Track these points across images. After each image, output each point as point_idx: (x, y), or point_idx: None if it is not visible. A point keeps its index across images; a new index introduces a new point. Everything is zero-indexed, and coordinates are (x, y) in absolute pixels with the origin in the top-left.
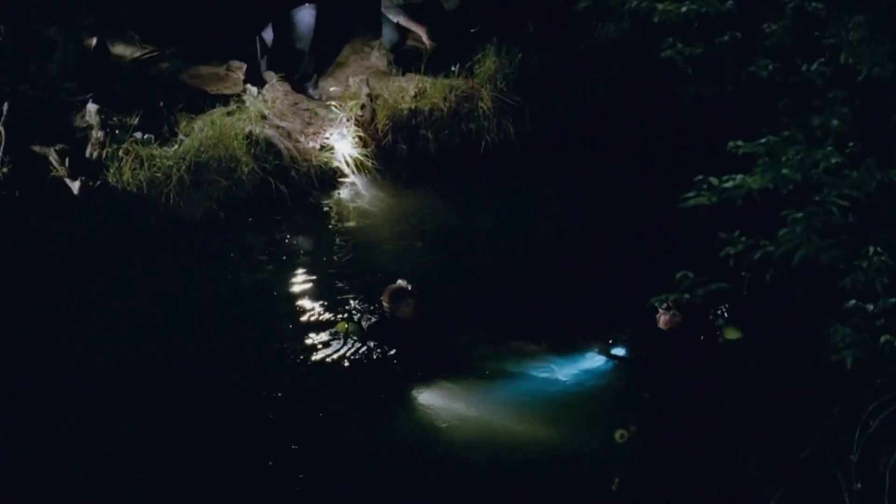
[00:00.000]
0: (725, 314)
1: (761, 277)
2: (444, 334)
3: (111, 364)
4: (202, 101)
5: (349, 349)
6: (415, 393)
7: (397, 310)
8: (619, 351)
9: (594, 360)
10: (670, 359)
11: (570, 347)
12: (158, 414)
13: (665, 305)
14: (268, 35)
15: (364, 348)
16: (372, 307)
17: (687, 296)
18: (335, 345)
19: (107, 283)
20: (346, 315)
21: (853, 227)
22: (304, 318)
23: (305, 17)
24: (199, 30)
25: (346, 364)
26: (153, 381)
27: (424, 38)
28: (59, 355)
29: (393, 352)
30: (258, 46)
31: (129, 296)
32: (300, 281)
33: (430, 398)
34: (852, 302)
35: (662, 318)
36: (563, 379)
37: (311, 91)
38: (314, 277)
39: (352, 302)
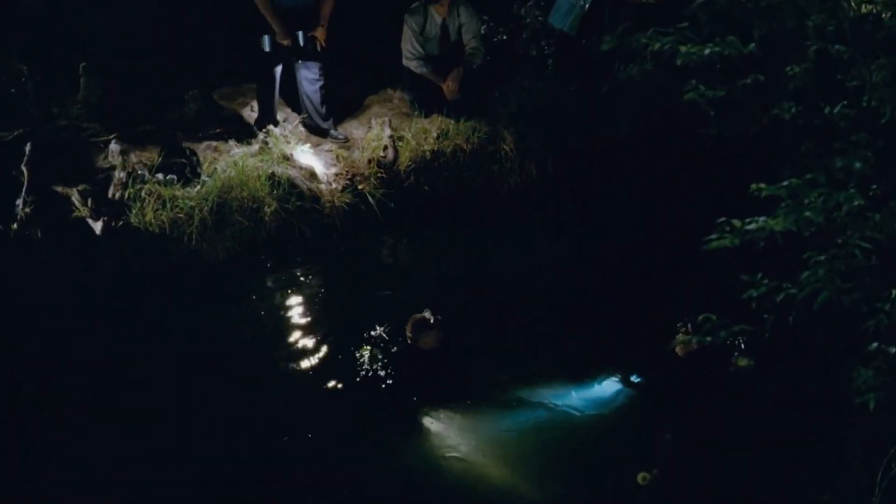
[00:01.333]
0: (739, 341)
1: (784, 320)
2: (465, 365)
3: (132, 403)
4: (225, 142)
5: (370, 377)
6: (431, 421)
7: (420, 340)
8: (635, 378)
9: (611, 388)
10: (685, 387)
11: (587, 376)
12: (174, 450)
13: (685, 330)
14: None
15: (385, 376)
16: (394, 337)
17: (709, 338)
18: (356, 373)
19: (128, 323)
20: (369, 344)
21: (876, 270)
22: (324, 353)
23: (309, 73)
24: (222, 70)
25: (366, 391)
26: (172, 420)
27: (446, 91)
28: (81, 395)
29: (413, 381)
30: (275, 89)
31: (151, 335)
32: (322, 319)
33: (446, 428)
34: (875, 344)
35: (679, 346)
36: (582, 408)
37: (332, 132)
38: (336, 315)
39: (374, 332)
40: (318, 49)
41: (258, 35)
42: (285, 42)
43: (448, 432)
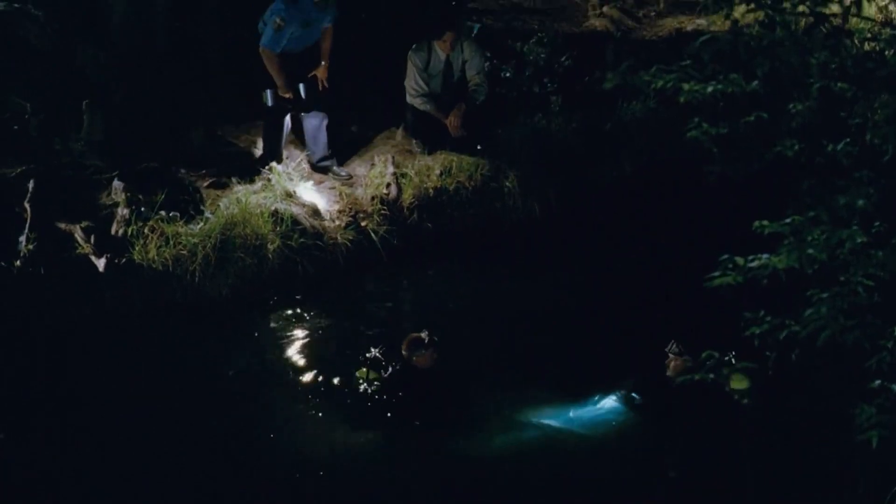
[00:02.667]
0: (733, 361)
1: (787, 357)
2: (461, 385)
3: (134, 440)
4: (228, 179)
5: (368, 398)
6: (426, 441)
7: (415, 358)
8: (631, 399)
9: (608, 409)
10: (680, 407)
11: (584, 397)
12: (177, 485)
13: (676, 350)
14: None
15: (382, 398)
16: (391, 358)
17: (711, 376)
18: (355, 399)
19: (131, 360)
20: (365, 366)
21: (878, 307)
22: (325, 386)
23: (313, 118)
24: (225, 107)
25: (363, 413)
26: (175, 455)
27: (449, 127)
28: (84, 432)
29: (408, 400)
30: (283, 134)
31: (154, 372)
32: (323, 353)
33: (445, 446)
34: (878, 382)
35: (672, 364)
36: (579, 427)
37: (335, 169)
38: (337, 350)
39: (370, 354)
40: (321, 89)
41: (260, 89)
42: (287, 95)
43: (449, 451)
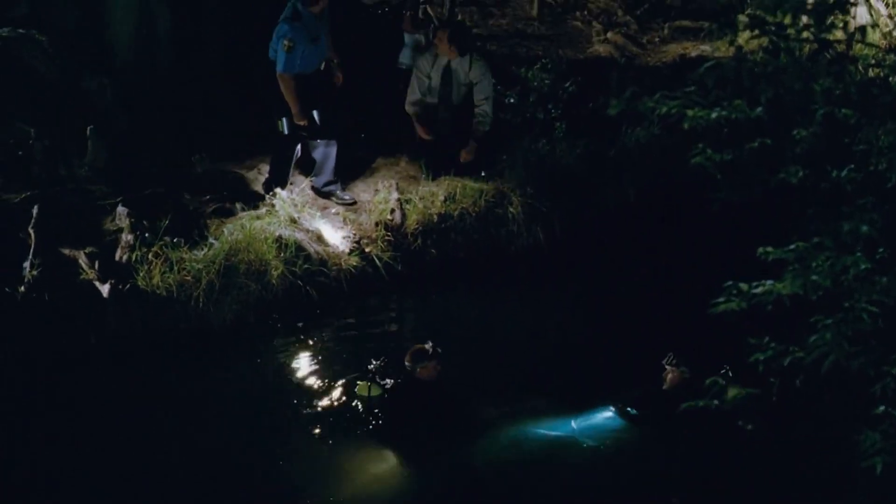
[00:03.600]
0: (729, 373)
1: (791, 383)
2: (465, 397)
3: (139, 466)
4: (232, 204)
5: (370, 410)
6: (430, 452)
7: (419, 370)
8: (633, 410)
9: (608, 419)
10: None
11: (586, 407)
12: None
13: (674, 363)
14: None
15: (385, 408)
16: (394, 370)
17: (716, 402)
18: (357, 409)
19: (135, 386)
20: (368, 379)
21: (883, 334)
22: (330, 413)
23: (323, 148)
24: (229, 132)
25: (367, 424)
26: (181, 481)
27: (461, 159)
28: (83, 457)
29: (413, 411)
30: (291, 161)
31: (158, 398)
32: (328, 379)
33: (448, 456)
34: (882, 408)
35: (669, 377)
36: (581, 438)
37: (338, 194)
38: (341, 375)
39: (373, 367)
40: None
41: (274, 117)
42: (302, 122)
43: (446, 461)
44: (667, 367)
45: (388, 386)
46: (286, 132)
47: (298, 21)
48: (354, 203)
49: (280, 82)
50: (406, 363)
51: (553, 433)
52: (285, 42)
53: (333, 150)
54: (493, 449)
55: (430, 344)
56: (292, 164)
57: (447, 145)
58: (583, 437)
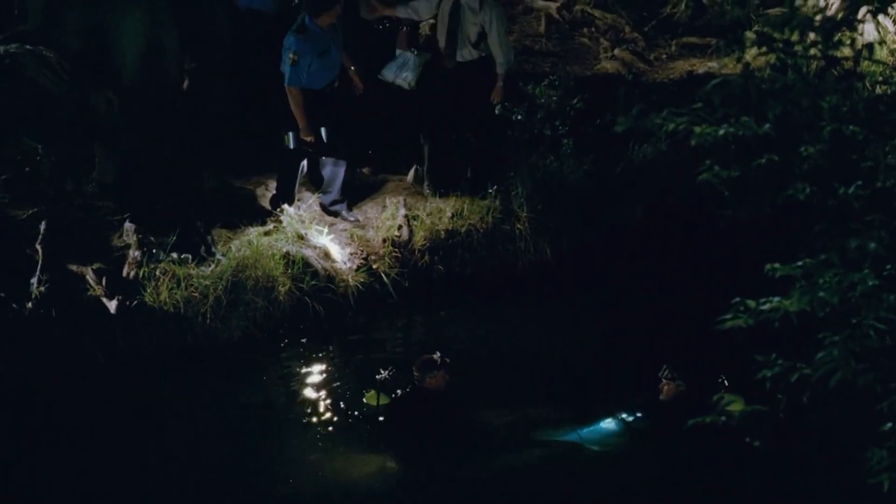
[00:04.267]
0: (726, 383)
1: (798, 399)
2: (472, 407)
3: (147, 482)
4: (239, 221)
5: (378, 420)
6: (436, 459)
7: (428, 380)
8: (635, 417)
9: (614, 426)
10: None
11: (592, 415)
12: None
13: (669, 376)
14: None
15: (391, 417)
16: (402, 380)
17: (723, 418)
18: (365, 420)
19: (143, 402)
20: (376, 387)
21: (890, 350)
22: (337, 423)
23: (332, 167)
24: (237, 148)
25: (375, 433)
26: (185, 495)
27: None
28: (89, 472)
29: (421, 421)
30: (297, 177)
31: (165, 415)
32: (335, 395)
33: (455, 464)
34: (889, 425)
35: (665, 388)
36: (588, 444)
37: (344, 214)
38: (349, 392)
39: (381, 376)
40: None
41: (282, 131)
42: (309, 138)
43: (453, 469)
44: (662, 379)
45: (395, 395)
46: (292, 147)
47: (304, 34)
48: (359, 222)
49: (288, 95)
50: (414, 373)
51: (558, 439)
52: (290, 55)
53: (342, 170)
54: (499, 455)
55: (439, 354)
56: (298, 180)
57: (455, 162)
58: (588, 444)
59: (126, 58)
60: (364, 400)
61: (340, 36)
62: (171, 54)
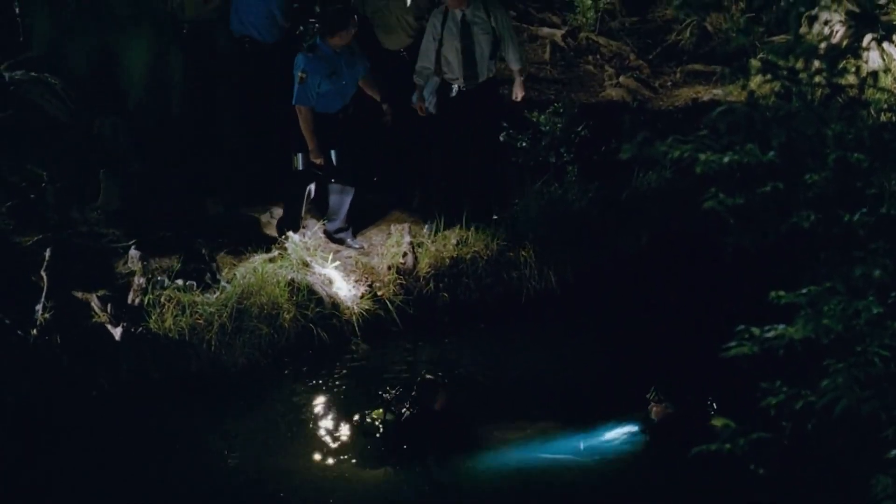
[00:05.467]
0: (714, 405)
1: (803, 427)
2: (474, 426)
3: None
4: (244, 248)
5: (383, 439)
6: (441, 477)
7: (428, 400)
8: (632, 436)
9: (614, 439)
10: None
11: (590, 433)
12: None
13: (657, 398)
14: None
15: (397, 438)
16: (404, 400)
17: (728, 446)
18: (370, 441)
19: (147, 429)
20: (381, 405)
21: (895, 378)
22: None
23: (339, 193)
24: (242, 175)
25: (379, 454)
26: None
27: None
28: (92, 499)
29: (424, 440)
30: (304, 202)
31: (170, 442)
32: (340, 423)
33: (457, 481)
34: (894, 452)
35: (654, 410)
36: (585, 457)
37: (349, 241)
38: (353, 417)
39: (385, 395)
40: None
41: (291, 152)
42: (318, 161)
43: (454, 486)
44: (651, 402)
45: (399, 414)
46: (300, 168)
47: (314, 53)
48: (364, 249)
49: (298, 115)
50: (416, 394)
51: (558, 453)
52: (299, 74)
53: (349, 197)
54: (499, 468)
55: (440, 374)
56: (304, 206)
57: (460, 189)
58: (587, 456)
59: (132, 84)
60: (369, 418)
61: (358, 60)
62: (176, 80)
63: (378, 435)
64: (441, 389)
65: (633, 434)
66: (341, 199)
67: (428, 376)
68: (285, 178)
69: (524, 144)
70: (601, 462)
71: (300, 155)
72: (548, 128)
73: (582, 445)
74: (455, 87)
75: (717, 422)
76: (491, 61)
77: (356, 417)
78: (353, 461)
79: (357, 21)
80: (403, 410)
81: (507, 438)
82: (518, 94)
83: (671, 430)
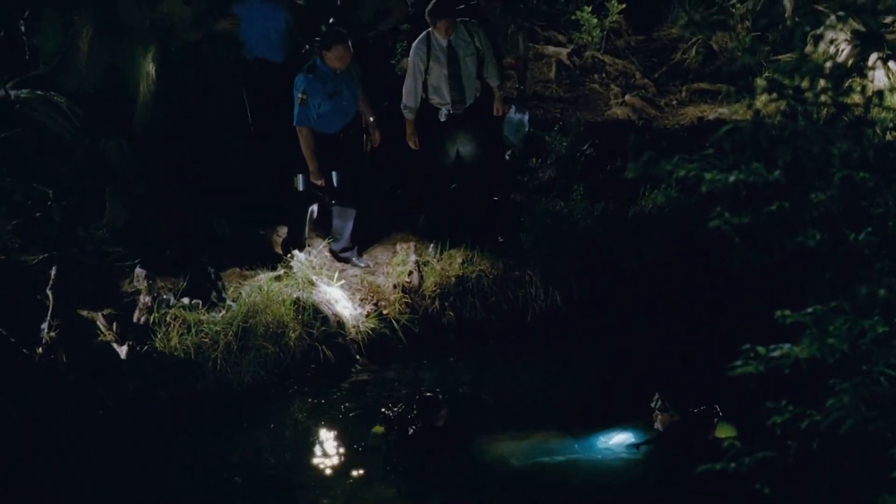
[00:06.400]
0: (719, 413)
1: (808, 446)
2: (474, 441)
3: None
4: (250, 266)
5: (384, 457)
6: (443, 492)
7: (428, 417)
8: (639, 438)
9: (617, 444)
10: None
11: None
12: None
13: (661, 406)
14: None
15: (400, 454)
16: (405, 417)
17: (733, 465)
18: (372, 460)
19: (153, 448)
20: (383, 422)
21: None
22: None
23: (342, 214)
24: (248, 193)
25: (382, 469)
26: None
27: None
28: None
29: (426, 456)
30: (307, 222)
31: (175, 461)
32: (346, 441)
33: (457, 492)
34: None
35: (659, 418)
36: (591, 463)
37: (354, 260)
38: (358, 439)
39: (387, 412)
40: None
41: (293, 173)
42: (319, 182)
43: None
44: (655, 410)
45: (401, 430)
46: (301, 189)
47: (313, 73)
48: (369, 267)
49: (299, 136)
50: (417, 410)
51: (559, 458)
52: (299, 95)
53: (351, 219)
54: (501, 477)
55: (440, 391)
56: (308, 224)
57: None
58: (590, 461)
59: (138, 102)
60: (371, 433)
61: (357, 81)
62: (182, 96)
63: (380, 451)
64: (442, 405)
65: (636, 441)
66: (343, 221)
67: (429, 393)
68: (289, 197)
69: (530, 163)
70: (604, 469)
71: (301, 176)
72: (553, 146)
73: (584, 450)
74: (444, 111)
75: (722, 432)
76: (477, 81)
77: (360, 435)
78: (357, 478)
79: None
80: (405, 427)
81: (510, 451)
82: (499, 108)
83: (675, 439)
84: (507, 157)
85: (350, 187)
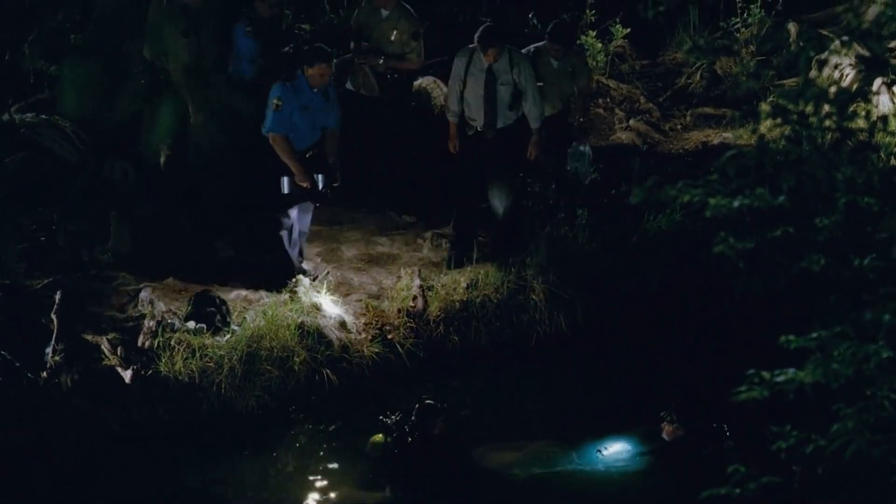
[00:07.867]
0: (725, 433)
1: (813, 471)
2: (474, 450)
3: None
4: (255, 290)
5: (383, 466)
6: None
7: (427, 425)
8: (644, 448)
9: (612, 454)
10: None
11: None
12: None
13: (670, 418)
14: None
15: (398, 462)
16: (404, 426)
17: (738, 490)
18: (370, 466)
19: (157, 473)
20: (381, 430)
21: None
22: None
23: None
24: (251, 217)
25: (380, 478)
26: None
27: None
28: None
29: (424, 465)
30: (288, 238)
31: (180, 486)
32: (350, 467)
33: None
34: None
35: (666, 429)
36: (594, 471)
37: (303, 267)
38: (363, 461)
39: (385, 421)
40: (334, 187)
41: (277, 179)
42: (304, 184)
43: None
44: (665, 420)
45: (400, 439)
46: (286, 191)
47: (290, 82)
48: (316, 278)
49: (272, 144)
50: (415, 419)
51: (557, 466)
52: (274, 101)
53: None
54: (501, 487)
55: (438, 400)
56: (287, 249)
57: (472, 231)
58: (592, 470)
59: (141, 123)
60: (370, 442)
61: (331, 112)
62: (186, 121)
63: (379, 460)
64: (440, 413)
65: (641, 452)
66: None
67: (427, 401)
68: (273, 201)
69: (535, 188)
70: (603, 480)
71: (286, 178)
72: (558, 171)
73: (583, 461)
74: (474, 125)
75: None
76: (511, 112)
77: (363, 459)
78: (356, 491)
79: (334, 64)
80: (403, 435)
81: (509, 461)
82: (532, 152)
83: (681, 452)
84: (585, 183)
85: (332, 191)
